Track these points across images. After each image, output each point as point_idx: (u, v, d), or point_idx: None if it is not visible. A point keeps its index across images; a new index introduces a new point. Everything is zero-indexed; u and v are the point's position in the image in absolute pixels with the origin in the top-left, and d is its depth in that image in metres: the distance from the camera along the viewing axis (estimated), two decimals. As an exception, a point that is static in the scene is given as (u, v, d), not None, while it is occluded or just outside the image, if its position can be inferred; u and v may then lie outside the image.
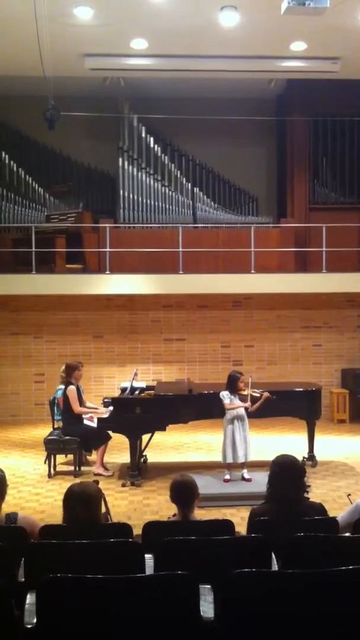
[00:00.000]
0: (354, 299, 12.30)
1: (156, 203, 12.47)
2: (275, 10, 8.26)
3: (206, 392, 8.17)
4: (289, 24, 9.30)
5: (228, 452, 7.54)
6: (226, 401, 7.51)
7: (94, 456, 8.58)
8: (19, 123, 12.81)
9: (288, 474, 4.14)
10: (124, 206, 12.36)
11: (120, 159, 12.44)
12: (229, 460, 7.57)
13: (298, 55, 10.80)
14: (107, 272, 11.18)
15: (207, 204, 12.77)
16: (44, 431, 9.66)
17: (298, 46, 10.44)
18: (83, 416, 8.53)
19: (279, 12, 7.96)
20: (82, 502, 3.84)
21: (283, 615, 2.82)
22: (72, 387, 8.38)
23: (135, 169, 12.48)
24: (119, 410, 7.95)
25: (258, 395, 7.60)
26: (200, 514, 5.52)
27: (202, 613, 2.95)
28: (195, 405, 8.07)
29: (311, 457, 8.55)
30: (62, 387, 8.61)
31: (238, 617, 2.84)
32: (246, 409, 7.55)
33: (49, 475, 8.21)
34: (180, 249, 11.25)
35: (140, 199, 12.42)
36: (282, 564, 3.46)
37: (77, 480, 6.11)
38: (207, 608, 3.02)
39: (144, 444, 8.53)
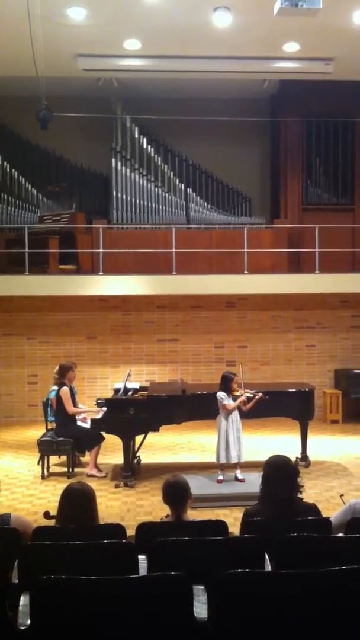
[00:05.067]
0: (347, 300, 12.32)
1: (149, 204, 12.48)
2: (268, 11, 8.29)
3: (199, 392, 8.17)
4: (282, 25, 9.32)
5: (221, 452, 7.53)
6: (225, 402, 7.48)
7: (87, 457, 8.57)
8: (11, 123, 12.79)
9: (281, 475, 4.14)
10: (117, 207, 12.36)
11: (114, 160, 12.44)
12: (222, 460, 7.57)
13: (291, 56, 10.82)
14: (101, 273, 11.17)
15: (200, 204, 12.77)
16: (37, 432, 9.66)
17: (291, 47, 10.46)
18: (76, 417, 8.52)
19: (272, 13, 7.99)
20: (80, 500, 3.85)
21: (276, 616, 2.82)
22: (65, 388, 8.36)
23: (128, 170, 12.48)
24: (113, 411, 7.94)
25: (251, 395, 7.61)
26: (194, 514, 5.51)
27: (195, 614, 2.94)
28: (188, 406, 8.06)
29: (304, 457, 8.57)
30: (56, 388, 8.59)
31: (231, 617, 2.84)
32: (240, 408, 7.56)
33: (43, 477, 8.20)
34: (174, 250, 11.25)
35: (133, 199, 12.42)
36: (275, 565, 3.46)
37: (71, 481, 6.09)
38: (200, 609, 3.02)
39: (137, 444, 8.54)
